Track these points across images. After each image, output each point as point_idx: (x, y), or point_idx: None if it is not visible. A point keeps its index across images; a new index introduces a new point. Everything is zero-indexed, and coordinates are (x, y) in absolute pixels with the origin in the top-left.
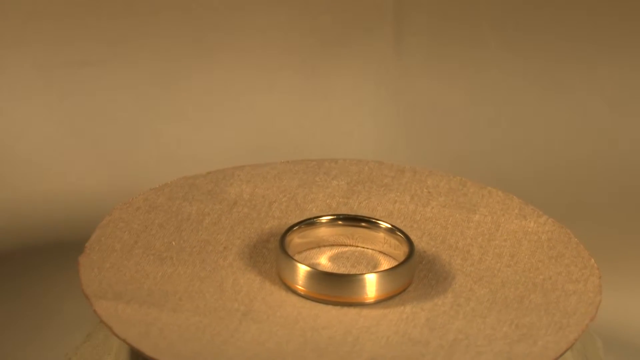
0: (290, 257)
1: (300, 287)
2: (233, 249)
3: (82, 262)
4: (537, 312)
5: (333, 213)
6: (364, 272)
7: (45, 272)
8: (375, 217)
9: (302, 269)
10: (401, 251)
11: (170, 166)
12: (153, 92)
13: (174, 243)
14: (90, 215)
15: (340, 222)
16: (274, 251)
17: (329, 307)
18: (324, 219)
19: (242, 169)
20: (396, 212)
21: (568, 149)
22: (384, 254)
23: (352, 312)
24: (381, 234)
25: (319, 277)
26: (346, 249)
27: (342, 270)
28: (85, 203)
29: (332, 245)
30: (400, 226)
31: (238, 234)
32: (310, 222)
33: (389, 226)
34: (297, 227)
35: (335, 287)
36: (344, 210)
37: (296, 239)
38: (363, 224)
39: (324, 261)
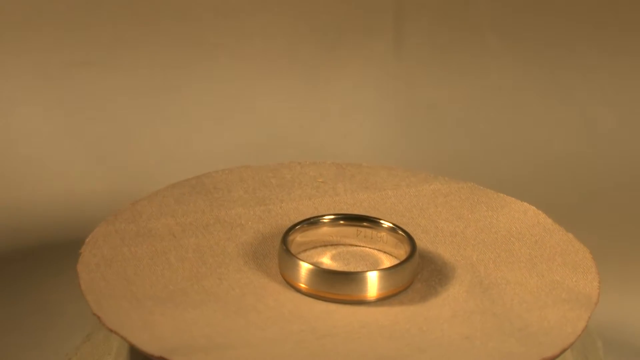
0: (293, 256)
1: (302, 285)
2: (228, 279)
3: (114, 328)
4: (540, 260)
5: (334, 212)
6: (366, 270)
7: (45, 273)
8: (377, 217)
9: (305, 267)
10: (402, 250)
11: (170, 166)
12: (153, 93)
13: (171, 287)
14: (90, 216)
15: (342, 222)
16: (277, 250)
17: (376, 308)
18: (326, 219)
19: (139, 203)
20: (320, 207)
21: (568, 149)
22: (385, 252)
23: (395, 309)
24: (383, 233)
25: (323, 275)
26: (348, 248)
27: (344, 268)
28: (85, 203)
29: (333, 244)
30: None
31: (213, 264)
32: (312, 222)
33: (391, 225)
34: (299, 226)
35: (339, 284)
36: (276, 217)
37: (298, 238)
38: (365, 223)
39: (326, 260)
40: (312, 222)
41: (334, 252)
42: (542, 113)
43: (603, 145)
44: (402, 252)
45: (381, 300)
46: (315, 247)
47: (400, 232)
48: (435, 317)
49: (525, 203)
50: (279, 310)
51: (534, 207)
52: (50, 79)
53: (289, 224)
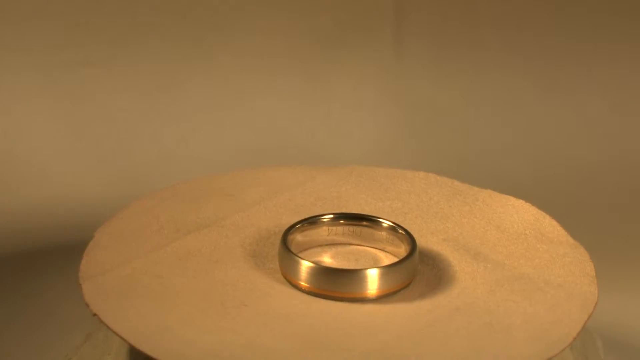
0: (293, 254)
1: (303, 284)
2: (247, 300)
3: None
4: (485, 214)
5: (334, 212)
6: (367, 267)
7: (45, 273)
8: (377, 216)
9: (305, 265)
10: (402, 249)
11: (170, 167)
12: (153, 93)
13: (204, 331)
14: (90, 216)
15: (342, 221)
16: (277, 249)
17: (395, 307)
18: (326, 218)
19: (91, 253)
20: (257, 217)
21: (568, 149)
22: (385, 251)
23: (409, 306)
24: (383, 232)
25: (323, 273)
26: (348, 247)
27: (344, 266)
28: (85, 204)
29: (333, 243)
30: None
31: (217, 294)
32: (312, 221)
33: (391, 224)
34: (299, 225)
35: (339, 282)
36: (226, 237)
37: (298, 238)
38: (364, 222)
39: (326, 259)
40: (312, 221)
41: (334, 251)
42: (543, 112)
43: (603, 146)
44: (402, 250)
45: (382, 298)
46: (315, 247)
47: (400, 230)
48: (469, 290)
49: (435, 176)
50: (310, 316)
51: (421, 172)
52: (50, 79)
53: (243, 240)
